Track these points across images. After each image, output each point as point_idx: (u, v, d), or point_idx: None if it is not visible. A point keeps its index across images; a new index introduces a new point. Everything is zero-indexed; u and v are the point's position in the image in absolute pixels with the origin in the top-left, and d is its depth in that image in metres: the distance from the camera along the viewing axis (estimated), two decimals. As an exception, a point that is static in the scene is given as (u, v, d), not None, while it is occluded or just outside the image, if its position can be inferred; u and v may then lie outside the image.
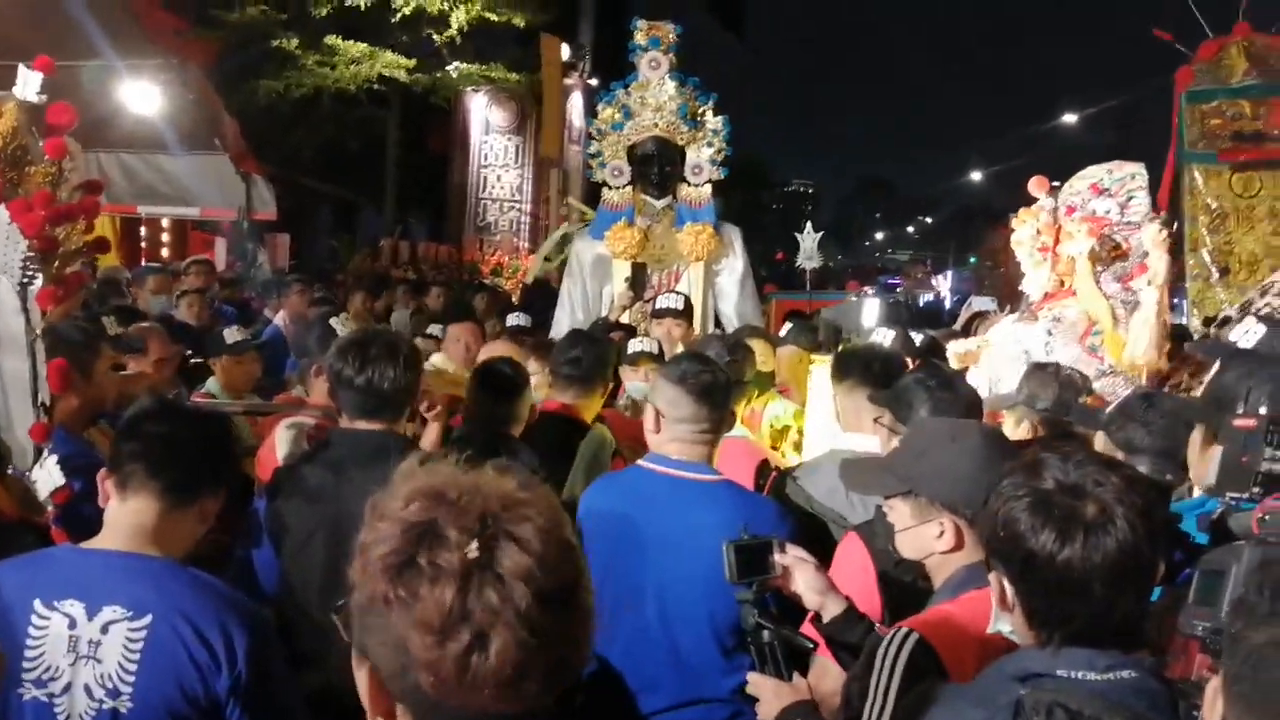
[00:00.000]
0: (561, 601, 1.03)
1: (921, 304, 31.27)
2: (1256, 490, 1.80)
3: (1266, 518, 1.68)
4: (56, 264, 2.85)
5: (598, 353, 3.99)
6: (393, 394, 2.79)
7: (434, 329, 5.84)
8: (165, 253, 11.34)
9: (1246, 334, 2.89)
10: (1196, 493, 2.38)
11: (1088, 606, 1.51)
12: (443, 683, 1.00)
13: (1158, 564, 1.55)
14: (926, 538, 2.07)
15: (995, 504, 1.60)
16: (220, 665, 2.02)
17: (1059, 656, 1.52)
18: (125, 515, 2.12)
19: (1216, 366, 2.35)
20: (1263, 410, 1.88)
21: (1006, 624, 1.64)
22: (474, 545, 1.01)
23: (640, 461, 2.90)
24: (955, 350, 4.84)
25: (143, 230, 11.46)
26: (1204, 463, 2.18)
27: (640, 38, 6.72)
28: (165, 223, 11.60)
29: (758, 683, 2.05)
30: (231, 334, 5.13)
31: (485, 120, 19.30)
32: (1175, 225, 4.20)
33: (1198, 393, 3.58)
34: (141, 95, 8.69)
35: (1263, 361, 2.24)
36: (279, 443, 3.91)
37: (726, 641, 2.62)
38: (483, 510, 1.04)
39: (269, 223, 11.58)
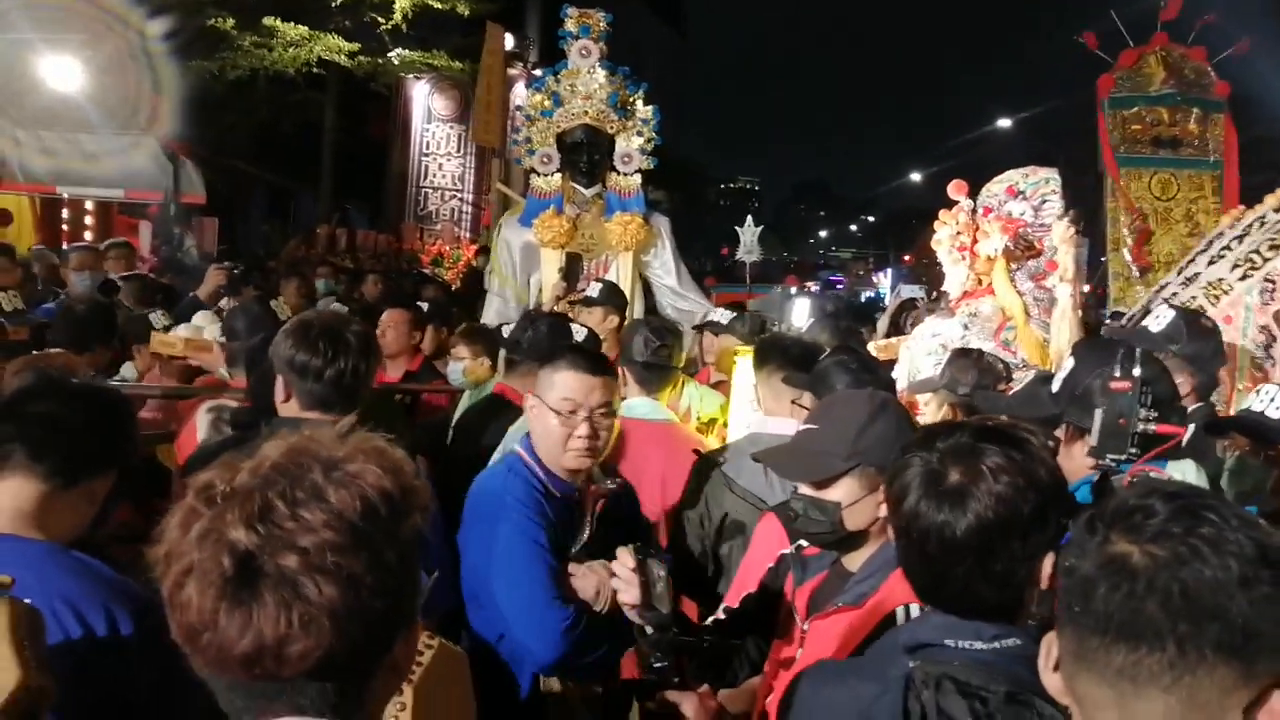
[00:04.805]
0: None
1: (863, 300, 32.04)
2: (1134, 451, 1.85)
3: (1135, 480, 1.74)
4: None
5: (548, 335, 3.90)
6: (357, 387, 2.69)
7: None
8: (89, 235, 11.00)
9: (1157, 319, 2.97)
10: None
11: (956, 572, 1.53)
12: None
13: (1042, 535, 1.53)
14: (873, 505, 2.08)
15: (894, 467, 1.64)
16: (103, 651, 1.95)
17: (948, 626, 1.54)
18: (3, 498, 2.04)
19: (1070, 364, 2.39)
20: (1136, 372, 1.91)
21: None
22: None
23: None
24: (875, 346, 4.90)
25: (65, 212, 11.13)
26: (1069, 459, 2.22)
27: (571, 25, 6.68)
28: (89, 204, 11.27)
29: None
30: (157, 319, 5.01)
31: (427, 108, 19.13)
32: (1083, 224, 4.29)
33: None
34: (62, 71, 8.42)
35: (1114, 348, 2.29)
36: (199, 426, 3.83)
37: None
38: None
39: (197, 206, 11.33)
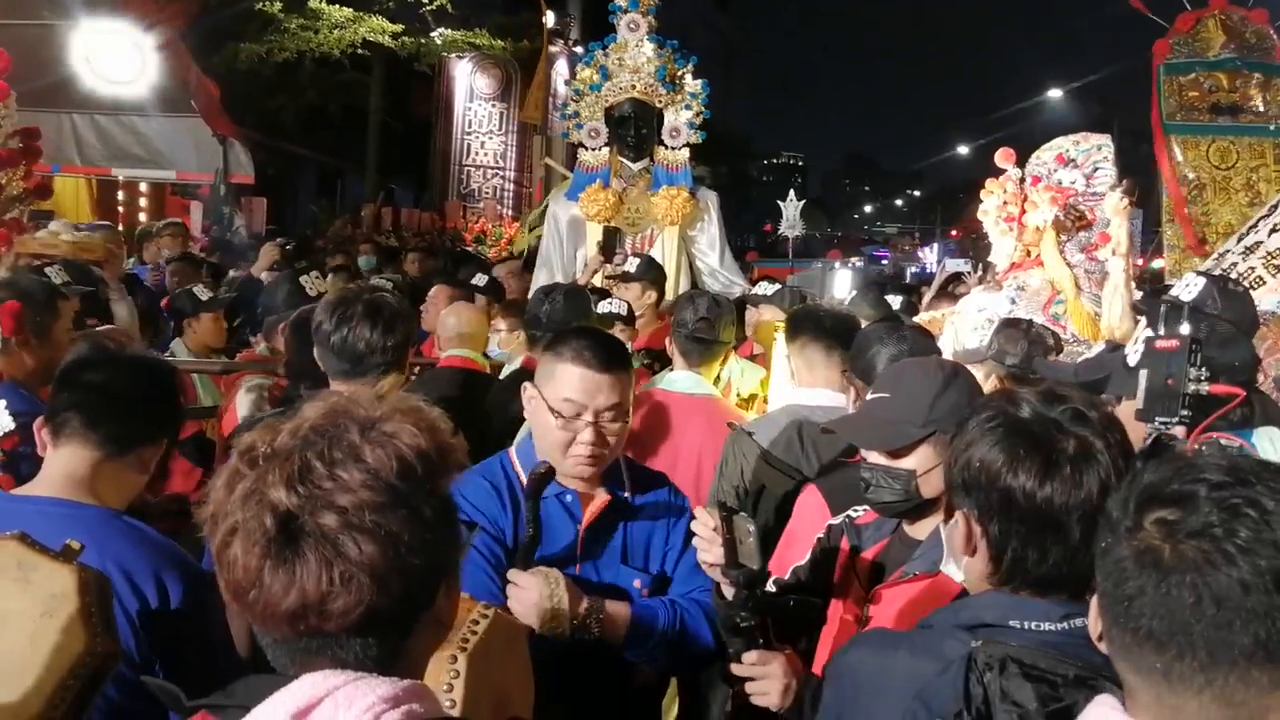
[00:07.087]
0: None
1: (909, 275, 31.36)
2: (1185, 414, 1.77)
3: (1203, 449, 1.67)
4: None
5: (565, 306, 3.83)
6: (368, 355, 2.70)
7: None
8: (143, 216, 11.21)
9: (1187, 287, 2.89)
10: None
11: (1063, 547, 1.46)
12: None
13: None
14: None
15: (967, 437, 1.55)
16: (153, 616, 1.99)
17: (1014, 606, 1.47)
18: (59, 463, 2.10)
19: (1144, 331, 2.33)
20: (1184, 330, 1.84)
21: (955, 567, 1.59)
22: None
23: None
24: (920, 319, 4.84)
25: (120, 194, 11.34)
26: (1136, 430, 2.18)
27: (620, -1, 6.66)
28: (143, 186, 11.48)
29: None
30: (202, 291, 5.10)
31: (470, 87, 19.19)
32: (1137, 193, 4.16)
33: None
34: (115, 55, 8.58)
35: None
36: (239, 403, 3.89)
37: None
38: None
39: (246, 187, 11.49)
